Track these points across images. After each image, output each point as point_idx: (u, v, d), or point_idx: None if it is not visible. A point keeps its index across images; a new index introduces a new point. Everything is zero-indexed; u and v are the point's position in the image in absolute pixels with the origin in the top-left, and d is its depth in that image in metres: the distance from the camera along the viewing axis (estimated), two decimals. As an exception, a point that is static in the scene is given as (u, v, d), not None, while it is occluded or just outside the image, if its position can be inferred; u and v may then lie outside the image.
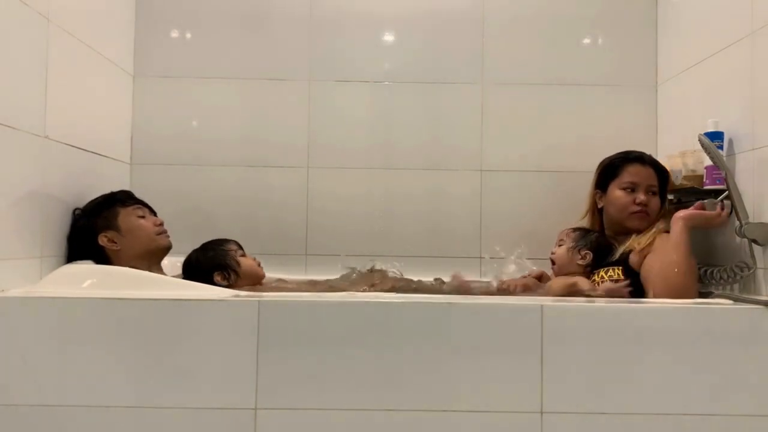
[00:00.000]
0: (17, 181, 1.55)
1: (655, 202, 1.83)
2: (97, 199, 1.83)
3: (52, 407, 1.37)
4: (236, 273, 1.84)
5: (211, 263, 1.84)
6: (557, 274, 1.92)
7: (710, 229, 1.76)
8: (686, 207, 1.84)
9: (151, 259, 1.79)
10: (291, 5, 2.32)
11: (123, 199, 1.83)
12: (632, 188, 1.83)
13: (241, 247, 1.92)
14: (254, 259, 1.94)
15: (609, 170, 1.90)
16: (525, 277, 2.02)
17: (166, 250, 1.85)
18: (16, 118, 1.54)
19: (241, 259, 1.88)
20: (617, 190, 1.85)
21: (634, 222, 1.83)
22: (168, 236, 1.85)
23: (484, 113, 2.32)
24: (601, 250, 1.85)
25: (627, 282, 1.67)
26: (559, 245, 1.92)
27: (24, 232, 1.58)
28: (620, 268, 1.75)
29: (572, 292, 1.69)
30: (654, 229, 1.78)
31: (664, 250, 1.68)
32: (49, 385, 1.38)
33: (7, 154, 1.51)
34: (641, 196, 1.81)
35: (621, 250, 1.79)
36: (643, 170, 1.84)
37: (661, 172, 1.87)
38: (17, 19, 1.55)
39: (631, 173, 1.84)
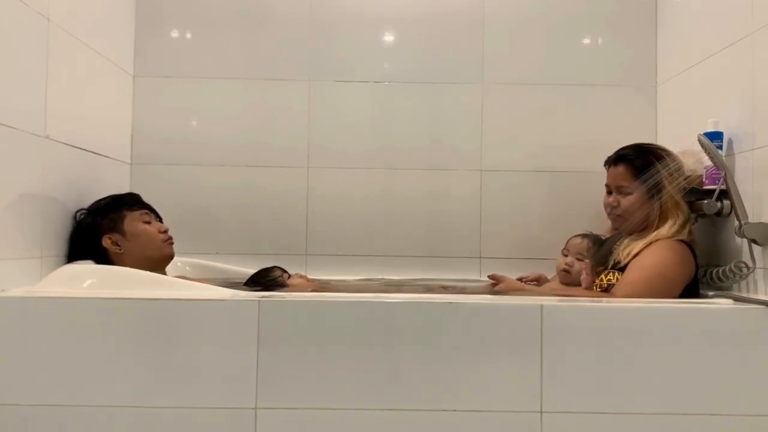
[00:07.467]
0: (17, 180, 1.55)
1: (627, 201, 1.76)
2: (104, 199, 1.83)
3: (52, 407, 1.37)
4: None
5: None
6: (566, 282, 1.92)
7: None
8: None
9: (152, 266, 1.75)
10: (291, 5, 2.32)
11: (131, 202, 1.82)
12: (608, 191, 1.83)
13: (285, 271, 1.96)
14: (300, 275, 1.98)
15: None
16: (521, 280, 2.02)
17: (169, 258, 1.84)
18: (16, 118, 1.53)
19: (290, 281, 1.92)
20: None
21: (612, 224, 1.84)
22: (172, 244, 1.84)
23: (484, 113, 2.32)
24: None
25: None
26: (576, 258, 1.90)
27: (24, 232, 1.58)
28: (620, 273, 1.74)
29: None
30: (651, 235, 1.71)
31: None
32: (49, 385, 1.38)
33: (7, 154, 1.50)
34: (608, 199, 1.81)
35: (613, 258, 1.77)
36: (612, 171, 1.81)
37: (639, 166, 1.75)
38: (17, 19, 1.55)
39: (607, 175, 1.84)
